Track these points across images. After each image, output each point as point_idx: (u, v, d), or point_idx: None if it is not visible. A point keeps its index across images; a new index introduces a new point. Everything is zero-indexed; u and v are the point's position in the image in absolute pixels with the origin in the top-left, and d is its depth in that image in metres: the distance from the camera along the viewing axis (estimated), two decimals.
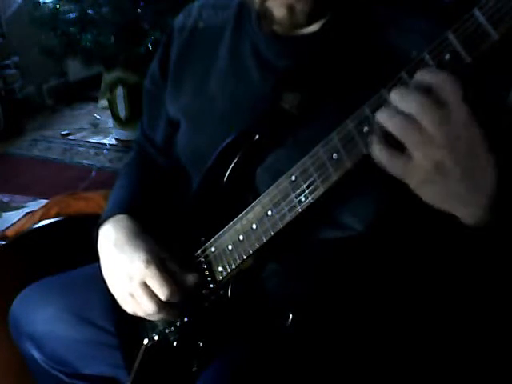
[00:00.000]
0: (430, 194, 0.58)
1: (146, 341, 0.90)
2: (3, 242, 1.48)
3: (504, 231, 0.60)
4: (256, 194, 0.75)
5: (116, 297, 0.85)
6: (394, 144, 0.56)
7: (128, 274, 0.81)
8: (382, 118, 0.56)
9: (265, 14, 0.76)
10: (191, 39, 0.91)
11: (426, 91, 0.54)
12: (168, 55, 0.94)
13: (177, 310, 0.83)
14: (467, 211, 0.59)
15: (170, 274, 0.80)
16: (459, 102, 0.53)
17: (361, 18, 0.76)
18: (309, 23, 0.76)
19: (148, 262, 0.79)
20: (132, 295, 0.81)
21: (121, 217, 0.88)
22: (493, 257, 0.65)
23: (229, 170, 0.78)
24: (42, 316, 0.99)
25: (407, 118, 0.55)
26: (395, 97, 0.56)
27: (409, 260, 0.79)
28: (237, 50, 0.85)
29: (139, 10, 2.55)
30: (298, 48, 0.78)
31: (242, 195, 0.78)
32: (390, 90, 0.58)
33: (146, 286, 0.80)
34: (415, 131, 0.54)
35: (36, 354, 1.02)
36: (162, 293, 0.79)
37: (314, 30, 0.77)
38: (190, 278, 0.81)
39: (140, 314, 0.83)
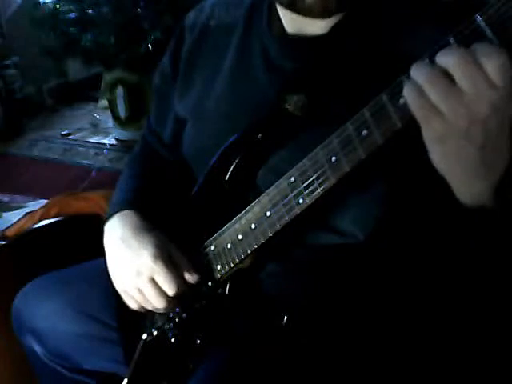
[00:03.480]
0: (443, 152, 0.55)
1: (145, 336, 0.91)
2: (3, 242, 1.49)
3: (500, 221, 0.59)
4: (258, 194, 0.75)
5: (120, 292, 0.86)
6: None
7: (136, 269, 0.81)
8: (416, 70, 0.54)
9: (294, 1, 0.73)
10: (202, 37, 0.91)
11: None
12: (178, 52, 0.94)
13: (183, 301, 0.84)
14: (471, 188, 0.57)
15: (176, 269, 0.81)
16: (506, 76, 0.50)
17: (373, 21, 0.75)
18: (338, 10, 0.74)
19: (155, 257, 0.80)
20: (140, 291, 0.82)
21: (127, 212, 0.88)
22: (491, 255, 0.65)
23: (231, 168, 0.79)
24: (43, 311, 1.00)
25: (443, 71, 0.52)
26: (439, 54, 0.53)
27: (407, 266, 0.79)
28: (245, 50, 0.84)
29: (139, 9, 2.56)
30: (306, 50, 0.78)
31: (243, 194, 0.78)
32: (388, 94, 0.58)
33: (154, 281, 0.81)
34: (447, 85, 0.52)
35: (37, 349, 1.03)
36: (170, 289, 0.80)
37: (324, 32, 0.77)
38: (194, 275, 0.82)
39: (148, 307, 0.84)
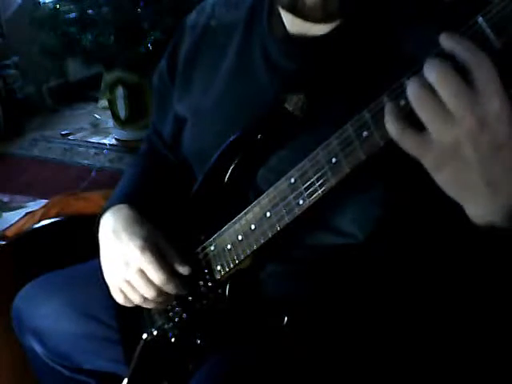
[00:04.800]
0: (444, 179, 0.55)
1: (145, 335, 0.92)
2: (3, 242, 1.49)
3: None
4: (258, 195, 0.75)
5: (109, 285, 0.86)
6: (413, 121, 0.54)
7: (124, 260, 0.82)
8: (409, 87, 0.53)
9: (295, 3, 0.73)
10: (203, 37, 0.91)
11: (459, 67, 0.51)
12: (177, 53, 0.94)
13: (174, 297, 0.84)
14: (479, 209, 0.55)
15: (166, 261, 0.81)
16: (493, 90, 0.49)
17: (374, 23, 0.75)
18: (340, 15, 0.74)
19: (143, 249, 0.80)
20: (129, 282, 0.82)
21: (121, 206, 0.89)
22: (497, 262, 0.64)
23: (230, 168, 0.79)
24: (44, 310, 1.00)
25: (427, 87, 0.51)
26: (426, 63, 0.52)
27: (407, 266, 0.79)
28: (246, 50, 0.84)
29: (139, 9, 2.56)
30: (308, 50, 0.78)
31: (243, 195, 0.78)
32: (388, 96, 0.57)
33: (142, 272, 0.81)
34: (433, 103, 0.51)
35: (38, 349, 1.03)
36: (158, 278, 0.80)
37: (326, 32, 0.76)
38: (186, 268, 0.83)
39: (137, 301, 0.84)
